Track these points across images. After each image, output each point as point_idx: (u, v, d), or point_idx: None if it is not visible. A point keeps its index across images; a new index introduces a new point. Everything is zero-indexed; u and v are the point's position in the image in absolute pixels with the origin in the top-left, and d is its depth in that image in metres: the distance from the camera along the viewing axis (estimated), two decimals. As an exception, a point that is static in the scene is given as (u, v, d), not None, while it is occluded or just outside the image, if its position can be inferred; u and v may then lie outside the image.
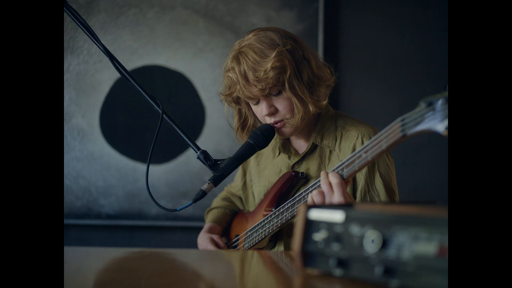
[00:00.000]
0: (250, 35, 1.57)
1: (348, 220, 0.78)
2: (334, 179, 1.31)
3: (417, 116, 1.04)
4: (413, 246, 0.69)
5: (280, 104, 1.53)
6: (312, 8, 2.70)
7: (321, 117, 1.62)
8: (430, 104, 1.00)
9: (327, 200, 1.31)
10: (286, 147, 1.67)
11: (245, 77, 1.51)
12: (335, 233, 0.78)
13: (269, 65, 1.48)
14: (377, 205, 0.86)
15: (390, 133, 1.14)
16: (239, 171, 1.86)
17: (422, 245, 0.69)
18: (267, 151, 1.75)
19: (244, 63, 1.51)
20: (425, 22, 2.75)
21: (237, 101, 1.63)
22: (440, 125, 0.98)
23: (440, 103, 0.98)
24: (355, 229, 0.76)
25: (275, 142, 1.72)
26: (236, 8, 2.73)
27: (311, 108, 1.53)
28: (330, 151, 1.59)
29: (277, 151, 1.70)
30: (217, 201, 1.91)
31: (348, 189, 1.53)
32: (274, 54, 1.49)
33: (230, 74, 1.54)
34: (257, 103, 1.56)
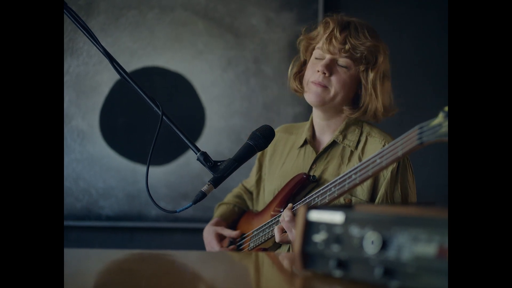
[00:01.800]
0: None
1: (348, 221, 0.78)
2: (284, 218, 1.46)
3: (436, 125, 1.06)
4: (413, 247, 0.69)
5: (339, 74, 1.56)
6: (311, 9, 2.71)
7: (349, 119, 1.62)
8: None
9: (289, 236, 1.47)
10: (311, 141, 1.67)
11: (341, 30, 1.55)
12: (335, 234, 0.78)
13: (369, 43, 1.55)
14: (377, 206, 0.86)
15: (407, 141, 1.14)
16: (255, 165, 1.84)
17: (421, 246, 0.69)
18: (281, 150, 1.74)
19: (352, 27, 1.57)
20: (425, 23, 2.75)
21: (308, 50, 1.67)
22: None
23: None
24: (355, 230, 0.76)
25: (294, 139, 1.72)
26: (236, 9, 2.73)
27: (379, 105, 1.58)
28: (351, 152, 1.58)
29: (297, 145, 1.69)
30: (228, 197, 1.91)
31: (369, 184, 1.54)
32: (379, 43, 1.57)
33: (330, 22, 1.59)
34: (321, 59, 1.59)
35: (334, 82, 1.56)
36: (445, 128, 1.03)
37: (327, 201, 1.39)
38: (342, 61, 1.56)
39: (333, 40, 1.55)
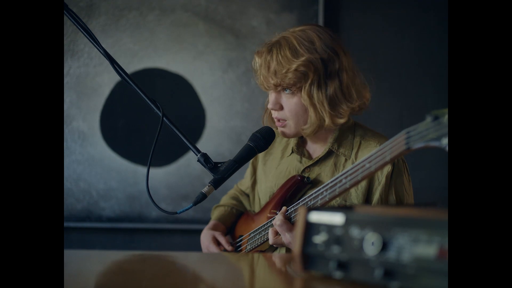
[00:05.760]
0: (300, 27, 1.59)
1: (348, 222, 0.78)
2: (276, 222, 1.46)
3: (423, 130, 1.02)
4: (413, 249, 0.69)
5: (287, 104, 1.55)
6: (312, 10, 2.71)
7: (341, 125, 1.59)
8: (436, 119, 0.98)
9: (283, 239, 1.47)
10: (300, 148, 1.65)
11: (268, 66, 1.54)
12: (335, 236, 0.78)
13: (294, 66, 1.49)
14: (377, 207, 0.86)
15: (395, 145, 1.13)
16: (249, 168, 1.83)
17: (422, 247, 0.69)
18: (276, 151, 1.73)
19: (274, 54, 1.54)
20: (426, 23, 2.75)
21: None
22: (445, 141, 0.96)
23: (446, 118, 0.96)
24: (355, 232, 0.76)
25: (287, 140, 1.71)
26: (236, 10, 2.74)
27: (326, 120, 1.52)
28: (346, 159, 1.57)
29: (289, 151, 1.68)
30: (225, 199, 1.89)
31: (363, 188, 1.53)
32: (304, 58, 1.49)
33: (257, 59, 1.59)
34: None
35: (287, 113, 1.55)
36: (432, 133, 0.99)
37: (318, 205, 1.38)
38: (282, 90, 1.55)
39: (264, 79, 1.55)
